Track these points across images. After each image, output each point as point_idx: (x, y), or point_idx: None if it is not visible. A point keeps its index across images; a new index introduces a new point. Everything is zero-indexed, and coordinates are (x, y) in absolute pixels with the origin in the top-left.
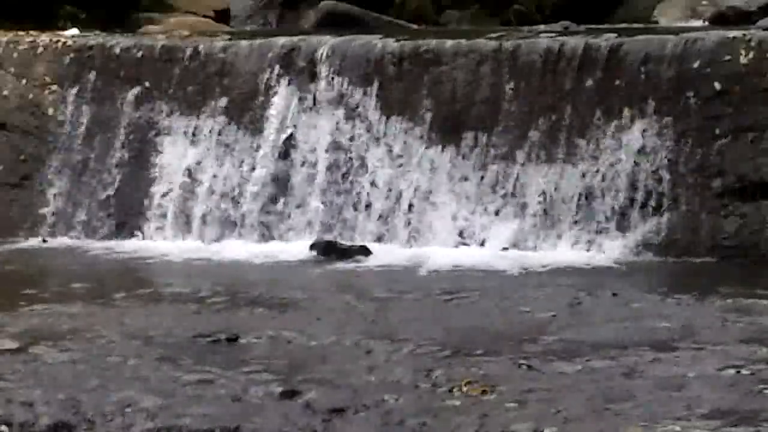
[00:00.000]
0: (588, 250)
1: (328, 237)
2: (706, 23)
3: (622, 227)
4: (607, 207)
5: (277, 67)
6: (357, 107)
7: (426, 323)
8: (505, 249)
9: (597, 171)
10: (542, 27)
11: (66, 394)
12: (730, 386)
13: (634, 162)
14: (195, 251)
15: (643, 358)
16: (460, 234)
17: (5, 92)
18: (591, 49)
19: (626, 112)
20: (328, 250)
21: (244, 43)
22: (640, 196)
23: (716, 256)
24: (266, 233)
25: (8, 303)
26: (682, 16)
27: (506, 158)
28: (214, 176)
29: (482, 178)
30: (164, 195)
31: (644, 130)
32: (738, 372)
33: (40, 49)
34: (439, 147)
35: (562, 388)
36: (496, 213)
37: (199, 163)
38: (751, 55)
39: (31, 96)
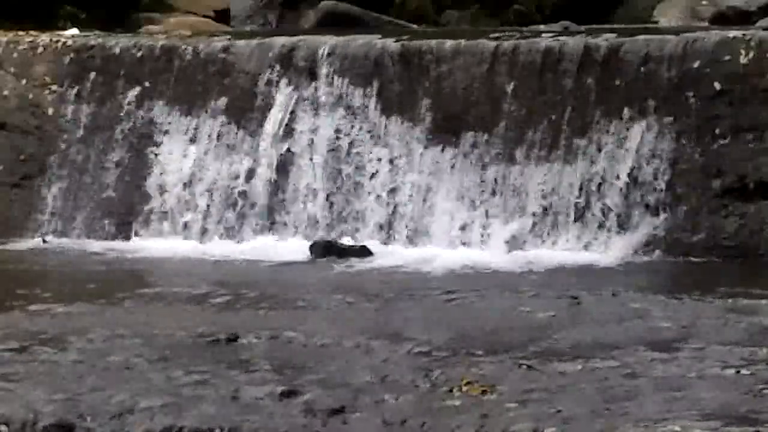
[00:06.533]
0: (588, 250)
1: (329, 237)
2: (706, 23)
3: (622, 227)
4: (606, 207)
5: (277, 67)
6: (357, 107)
7: (426, 323)
8: (505, 249)
9: (597, 171)
10: (542, 27)
11: (66, 394)
12: (730, 386)
13: (634, 162)
14: (195, 251)
15: (644, 358)
16: (460, 234)
17: (5, 92)
18: (591, 49)
19: (626, 112)
20: (328, 250)
21: (244, 43)
22: (640, 195)
23: (716, 256)
24: (266, 233)
25: (8, 303)
26: (682, 16)
27: (506, 158)
28: (214, 176)
29: (482, 178)
30: (164, 195)
31: (644, 130)
32: (738, 372)
33: (40, 49)
34: (439, 147)
35: (562, 388)
36: (496, 213)
37: (198, 163)
38: (751, 55)
39: (31, 96)
